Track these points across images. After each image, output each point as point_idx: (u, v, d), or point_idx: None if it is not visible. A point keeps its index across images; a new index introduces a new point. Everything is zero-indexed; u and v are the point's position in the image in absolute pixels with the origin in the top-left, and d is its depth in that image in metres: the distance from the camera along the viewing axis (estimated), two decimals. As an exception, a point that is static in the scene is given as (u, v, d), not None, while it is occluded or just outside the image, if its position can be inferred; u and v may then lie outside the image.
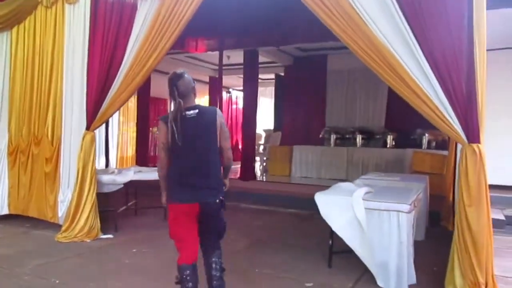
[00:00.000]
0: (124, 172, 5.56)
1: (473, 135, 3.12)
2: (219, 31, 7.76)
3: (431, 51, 3.23)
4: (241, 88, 15.25)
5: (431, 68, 3.23)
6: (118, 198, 5.57)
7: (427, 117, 3.37)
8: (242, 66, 10.35)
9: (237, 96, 15.73)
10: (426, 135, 8.47)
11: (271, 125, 11.75)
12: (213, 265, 2.83)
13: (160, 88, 12.70)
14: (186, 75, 2.70)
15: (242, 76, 12.97)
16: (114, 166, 12.72)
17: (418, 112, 8.81)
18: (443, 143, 8.60)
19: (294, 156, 9.71)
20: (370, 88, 10.04)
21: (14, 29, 5.77)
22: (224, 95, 15.08)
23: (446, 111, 3.21)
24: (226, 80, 12.61)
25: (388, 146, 9.07)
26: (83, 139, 4.95)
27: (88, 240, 4.84)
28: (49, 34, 5.37)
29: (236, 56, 10.09)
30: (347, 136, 9.61)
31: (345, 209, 3.73)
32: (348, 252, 3.90)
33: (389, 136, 9.02)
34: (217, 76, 13.03)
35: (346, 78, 10.35)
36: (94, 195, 4.97)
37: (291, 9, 7.11)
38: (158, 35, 4.50)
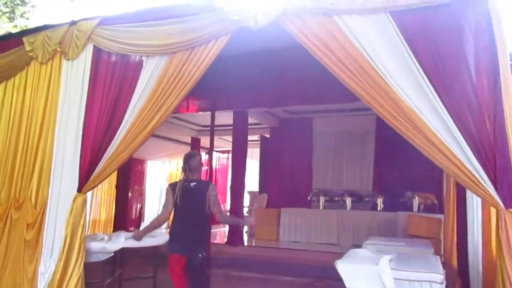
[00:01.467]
0: (114, 239, 5.06)
1: (510, 199, 3.00)
2: (211, 91, 7.69)
3: (459, 114, 3.18)
4: (221, 149, 15.22)
5: (461, 133, 3.16)
6: (103, 267, 5.03)
7: (461, 182, 3.24)
8: (224, 128, 10.34)
9: (218, 157, 15.55)
10: (416, 198, 8.44)
11: (255, 187, 11.48)
12: None
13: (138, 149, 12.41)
14: (197, 156, 3.82)
15: (223, 137, 12.96)
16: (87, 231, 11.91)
17: (405, 175, 8.79)
18: (432, 206, 8.59)
19: (282, 220, 9.39)
20: (357, 151, 10.12)
21: (1, 85, 5.45)
22: (204, 156, 14.87)
23: (480, 176, 3.10)
24: (205, 141, 12.47)
25: (378, 209, 8.95)
26: (73, 201, 4.52)
27: (72, 320, 4.24)
28: (41, 91, 5.07)
29: (219, 117, 10.04)
30: (336, 198, 9.46)
31: (372, 279, 3.45)
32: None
33: (378, 199, 8.93)
34: (198, 137, 12.98)
35: (332, 140, 10.41)
36: (82, 265, 4.44)
37: (285, 70, 7.23)
38: (164, 94, 4.31)
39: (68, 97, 4.84)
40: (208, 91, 7.74)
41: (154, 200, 14.62)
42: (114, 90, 4.55)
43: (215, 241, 9.09)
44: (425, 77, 3.29)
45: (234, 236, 8.48)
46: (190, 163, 3.68)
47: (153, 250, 5.58)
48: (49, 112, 4.95)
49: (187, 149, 13.27)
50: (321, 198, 9.40)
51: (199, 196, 3.57)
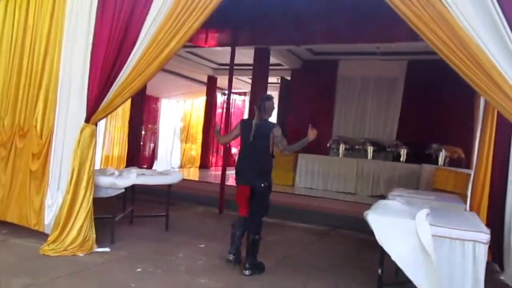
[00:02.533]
0: (125, 175, 4.77)
1: None
2: (232, 25, 7.08)
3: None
4: (238, 91, 14.67)
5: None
6: (113, 203, 4.78)
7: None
8: (243, 67, 9.79)
9: (234, 100, 15.05)
10: (443, 151, 7.96)
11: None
12: (249, 235, 3.93)
13: (152, 85, 11.96)
14: (272, 100, 4.09)
15: (240, 78, 12.38)
16: (99, 166, 11.83)
17: (432, 126, 8.21)
18: (459, 160, 8.12)
19: (299, 165, 9.07)
20: (383, 98, 9.54)
21: (2, 3, 4.94)
22: (219, 97, 14.38)
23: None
24: (222, 81, 11.94)
25: (401, 160, 8.52)
26: (81, 132, 4.16)
27: (81, 254, 4.03)
28: (45, 10, 4.56)
29: (239, 56, 9.45)
30: (357, 147, 9.02)
31: (408, 234, 3.08)
32: (400, 284, 3.30)
33: (402, 150, 8.47)
34: (215, 76, 12.41)
35: (357, 85, 9.80)
36: (91, 200, 4.18)
37: (313, 5, 6.53)
38: (185, 12, 3.75)
39: (75, 17, 4.33)
40: (229, 24, 7.13)
41: (167, 139, 14.42)
42: (127, 8, 4.02)
43: (229, 183, 8.86)
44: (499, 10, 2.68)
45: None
46: (266, 104, 3.95)
47: (166, 189, 5.33)
48: (55, 32, 4.48)
49: (203, 88, 12.80)
50: (341, 145, 8.98)
51: (264, 135, 3.89)
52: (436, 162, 7.99)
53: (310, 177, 8.98)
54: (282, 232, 5.90)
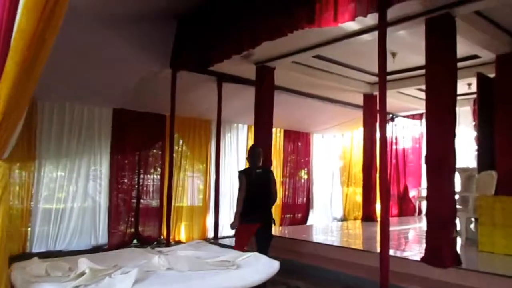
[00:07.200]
0: (118, 279, 2.03)
1: None
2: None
3: None
4: (410, 113, 10.83)
5: None
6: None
7: None
8: (411, 72, 6.59)
9: (404, 126, 11.40)
10: None
11: (470, 162, 6.99)
12: None
13: (300, 118, 9.27)
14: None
15: (407, 90, 8.74)
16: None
17: None
18: None
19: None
20: None
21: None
22: (389, 127, 10.83)
23: None
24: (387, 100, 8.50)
25: None
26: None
27: None
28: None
29: (402, 54, 6.12)
30: None
31: None
32: None
33: None
34: (374, 93, 8.97)
35: None
36: None
37: None
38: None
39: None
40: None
41: (324, 182, 11.52)
42: None
43: (399, 254, 5.33)
44: None
45: (439, 246, 4.54)
46: (257, 152, 4.94)
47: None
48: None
49: (357, 112, 9.59)
50: None
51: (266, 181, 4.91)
52: None
53: None
54: None
